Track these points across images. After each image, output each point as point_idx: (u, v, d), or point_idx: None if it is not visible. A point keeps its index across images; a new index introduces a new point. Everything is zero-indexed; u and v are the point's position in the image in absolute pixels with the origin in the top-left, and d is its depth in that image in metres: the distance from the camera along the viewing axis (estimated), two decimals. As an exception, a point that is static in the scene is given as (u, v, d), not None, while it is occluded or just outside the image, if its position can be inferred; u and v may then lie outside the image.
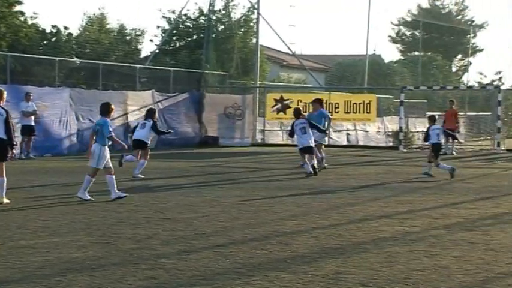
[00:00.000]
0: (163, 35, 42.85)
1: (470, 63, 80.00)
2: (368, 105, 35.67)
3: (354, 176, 20.53)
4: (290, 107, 35.20)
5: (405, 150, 32.87)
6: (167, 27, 43.45)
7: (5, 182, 13.78)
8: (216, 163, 25.41)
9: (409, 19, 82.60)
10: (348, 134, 40.97)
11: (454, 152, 31.04)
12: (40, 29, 38.01)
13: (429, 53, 72.32)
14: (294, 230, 11.13)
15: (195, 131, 35.96)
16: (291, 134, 21.18)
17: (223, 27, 43.19)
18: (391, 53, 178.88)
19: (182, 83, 36.69)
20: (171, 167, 22.78)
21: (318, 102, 23.14)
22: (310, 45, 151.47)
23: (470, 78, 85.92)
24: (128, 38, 42.64)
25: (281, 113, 36.40)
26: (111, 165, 14.76)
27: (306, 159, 20.24)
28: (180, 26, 43.41)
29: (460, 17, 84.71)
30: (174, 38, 43.57)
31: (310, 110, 24.46)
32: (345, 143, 39.48)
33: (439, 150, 20.68)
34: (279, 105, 36.34)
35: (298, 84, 51.31)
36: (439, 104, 43.20)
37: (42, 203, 14.16)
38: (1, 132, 13.60)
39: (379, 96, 41.47)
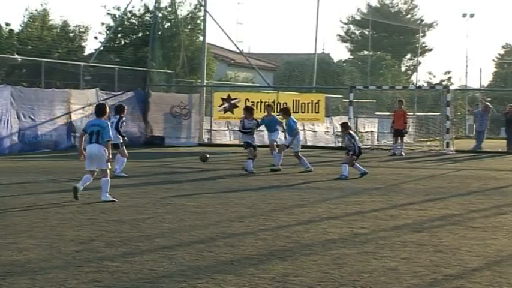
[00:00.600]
0: (108, 32, 42.37)
1: (420, 63, 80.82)
2: (317, 104, 35.76)
3: (302, 176, 20.46)
4: (237, 106, 35.14)
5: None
6: (112, 24, 42.99)
7: None
8: (161, 163, 25.20)
9: (358, 18, 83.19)
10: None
11: (403, 153, 31.24)
12: (-20, 25, 37.38)
13: (378, 53, 72.94)
14: (241, 231, 11.03)
15: (141, 130, 35.66)
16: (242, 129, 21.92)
17: (169, 24, 42.90)
18: (340, 52, 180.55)
19: (127, 81, 36.35)
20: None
21: (283, 110, 23.96)
22: (258, 43, 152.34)
23: (420, 78, 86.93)
24: (71, 35, 42.02)
25: (228, 113, 36.27)
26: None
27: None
28: (125, 23, 42.99)
29: (409, 16, 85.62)
30: (119, 35, 43.13)
31: (265, 111, 24.85)
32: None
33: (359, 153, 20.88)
34: (226, 105, 36.21)
35: (245, 83, 51.23)
36: (388, 104, 43.54)
37: (-18, 204, 13.81)
38: None
39: (328, 96, 41.59)
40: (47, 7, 41.35)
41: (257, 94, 38.33)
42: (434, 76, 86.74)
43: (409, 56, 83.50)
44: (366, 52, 72.47)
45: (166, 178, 19.78)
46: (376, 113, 44.87)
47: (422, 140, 43.61)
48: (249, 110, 22.43)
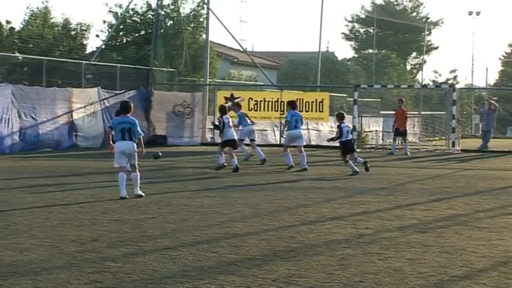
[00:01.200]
0: (110, 30, 42.34)
1: (425, 61, 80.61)
2: (321, 103, 35.68)
3: (306, 176, 20.37)
4: (241, 105, 35.01)
5: (359, 150, 32.71)
6: (114, 22, 42.98)
7: None
8: (164, 163, 25.08)
9: (362, 16, 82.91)
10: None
11: (408, 153, 31.09)
12: (-19, 23, 37.31)
13: (383, 51, 72.69)
14: (244, 232, 10.95)
15: (143, 129, 35.34)
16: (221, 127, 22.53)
17: (172, 22, 42.89)
18: (344, 51, 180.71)
19: (129, 79, 36.30)
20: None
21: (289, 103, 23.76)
22: (262, 41, 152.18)
23: (425, 77, 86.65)
24: (73, 33, 41.95)
25: (231, 112, 36.06)
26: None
27: (228, 152, 21.76)
28: (127, 21, 42.97)
29: (414, 14, 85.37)
30: (121, 33, 43.12)
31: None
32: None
33: (348, 148, 21.04)
34: (230, 103, 36.06)
35: (249, 82, 51.14)
36: (393, 103, 43.32)
37: (-17, 204, 13.75)
38: None
39: (332, 95, 41.53)
40: (48, 5, 41.42)
41: (261, 93, 38.26)
42: (440, 75, 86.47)
43: (414, 54, 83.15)
44: (370, 50, 72.16)
45: (169, 178, 19.70)
46: (381, 112, 44.70)
47: (428, 139, 43.48)
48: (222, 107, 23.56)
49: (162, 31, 40.51)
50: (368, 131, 39.81)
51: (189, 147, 34.10)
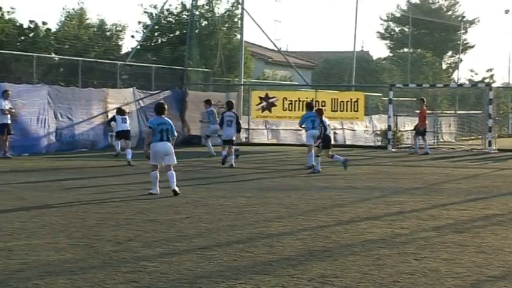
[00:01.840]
0: (145, 30, 42.46)
1: (461, 60, 79.78)
2: (356, 103, 35.49)
3: (342, 176, 20.31)
4: (276, 105, 35.06)
5: (394, 150, 32.61)
6: (149, 22, 43.06)
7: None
8: (199, 163, 25.16)
9: (398, 15, 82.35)
10: (335, 133, 40.50)
11: (428, 151, 30.72)
12: (17, 24, 37.47)
13: (419, 50, 72.09)
14: (279, 231, 10.95)
15: (178, 129, 35.50)
16: (221, 124, 23.82)
17: (206, 22, 42.92)
18: (379, 50, 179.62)
19: (164, 80, 36.40)
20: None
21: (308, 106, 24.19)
22: (296, 41, 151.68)
23: (461, 76, 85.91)
24: (108, 33, 42.11)
25: (266, 111, 36.13)
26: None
27: (226, 150, 23.01)
28: (162, 22, 43.05)
29: (450, 12, 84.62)
30: (156, 33, 43.19)
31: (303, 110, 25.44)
32: (332, 142, 39.10)
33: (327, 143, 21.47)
34: (264, 104, 36.08)
35: (283, 82, 51.06)
36: (428, 102, 42.98)
37: (20, 204, 13.87)
38: None
39: (367, 94, 41.33)
40: (84, 6, 41.51)
41: (295, 93, 38.15)
42: (476, 74, 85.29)
43: (450, 53, 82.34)
44: (406, 49, 71.62)
45: (204, 178, 19.75)
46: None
47: (464, 138, 43.11)
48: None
49: (196, 31, 40.56)
50: (403, 131, 39.50)
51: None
